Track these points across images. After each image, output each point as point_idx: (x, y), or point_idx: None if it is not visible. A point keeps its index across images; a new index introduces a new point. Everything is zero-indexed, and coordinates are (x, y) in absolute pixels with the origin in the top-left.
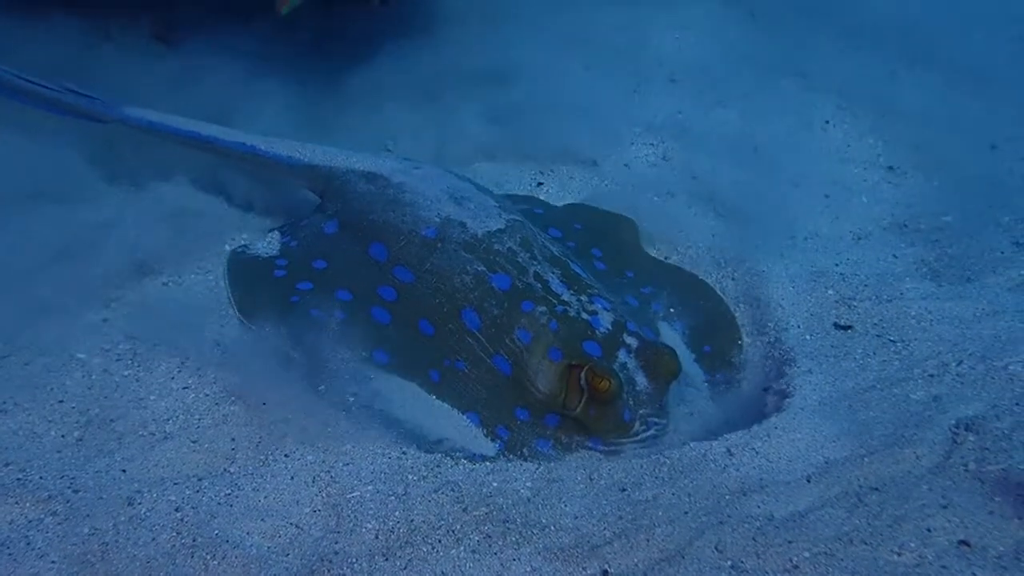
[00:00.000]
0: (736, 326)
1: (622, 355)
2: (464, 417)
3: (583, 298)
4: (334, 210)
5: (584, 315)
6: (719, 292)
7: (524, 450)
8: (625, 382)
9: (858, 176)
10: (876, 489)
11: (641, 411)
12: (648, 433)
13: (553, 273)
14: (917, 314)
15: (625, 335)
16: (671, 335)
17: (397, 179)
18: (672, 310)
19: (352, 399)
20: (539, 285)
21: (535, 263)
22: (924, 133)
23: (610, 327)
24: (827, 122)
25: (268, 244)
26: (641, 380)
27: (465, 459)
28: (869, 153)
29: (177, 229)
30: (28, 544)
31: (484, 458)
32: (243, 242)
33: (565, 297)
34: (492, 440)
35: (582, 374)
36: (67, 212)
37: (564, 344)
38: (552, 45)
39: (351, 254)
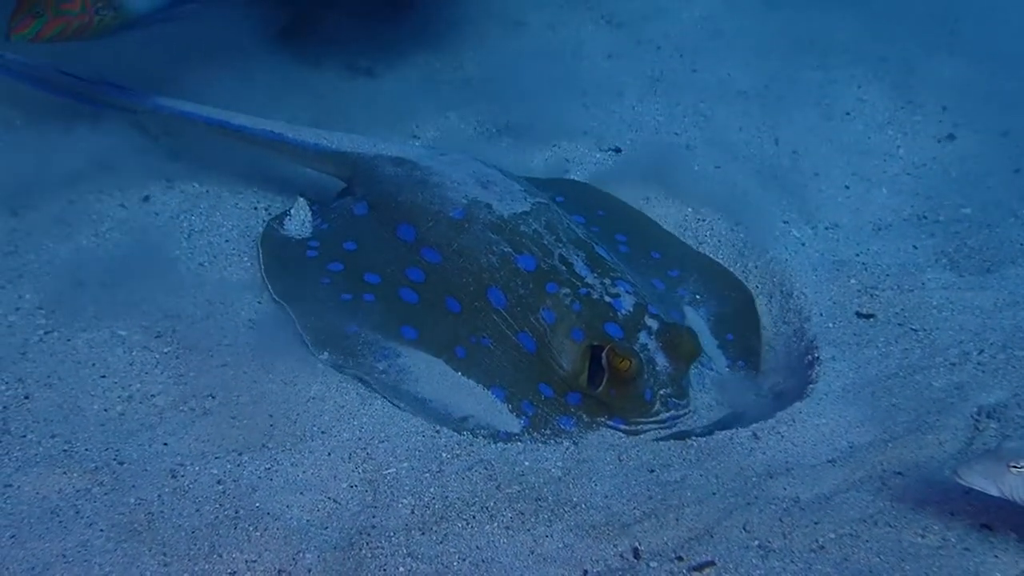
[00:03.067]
0: (757, 315)
1: (643, 336)
2: (489, 392)
3: (606, 281)
4: (363, 193)
5: (607, 298)
6: (741, 280)
7: (549, 427)
8: (645, 362)
9: (878, 167)
10: (900, 473)
11: (661, 391)
12: (669, 414)
13: (578, 256)
14: (939, 304)
15: (646, 317)
16: (696, 320)
17: (424, 163)
18: (698, 296)
19: (381, 375)
20: (564, 267)
21: (560, 245)
22: (942, 125)
23: (631, 309)
24: (847, 113)
25: (301, 225)
26: (661, 361)
27: (492, 437)
28: (889, 145)
29: (210, 211)
30: (77, 512)
31: (511, 436)
32: (275, 223)
33: (589, 280)
34: (517, 416)
35: (604, 354)
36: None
37: (587, 325)
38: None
39: (380, 236)
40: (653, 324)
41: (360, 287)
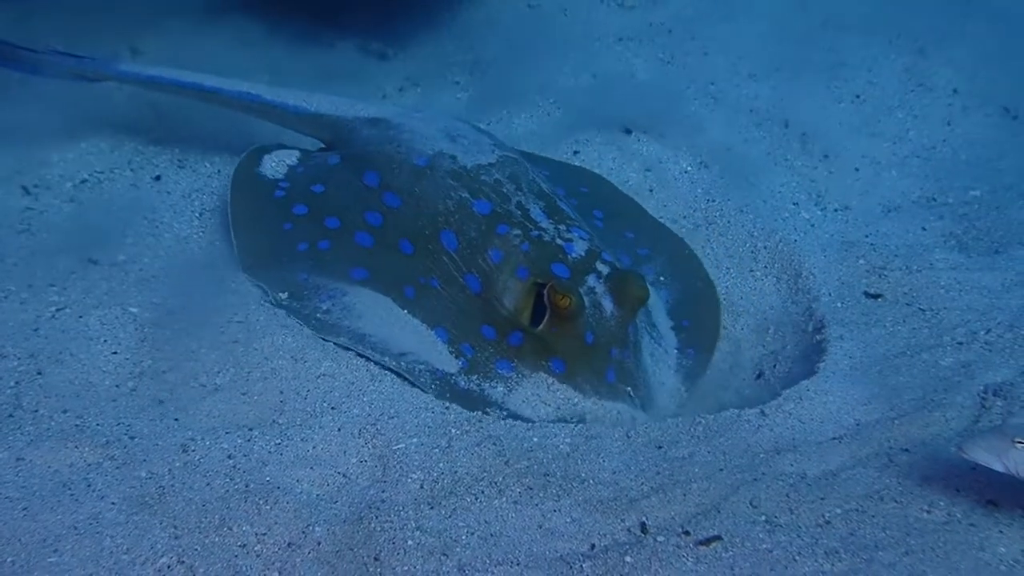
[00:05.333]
0: (719, 315)
1: (591, 280)
2: (433, 332)
3: (561, 227)
4: (339, 150)
5: (559, 240)
6: (708, 274)
7: (486, 371)
8: (590, 305)
9: (887, 150)
10: (906, 450)
11: (605, 337)
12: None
13: (536, 204)
14: (946, 284)
15: (598, 263)
16: (654, 297)
17: (397, 120)
18: (662, 279)
19: (323, 315)
20: (519, 212)
21: (520, 194)
22: (952, 108)
23: (583, 254)
24: (858, 96)
25: (276, 165)
26: (608, 305)
27: (429, 373)
28: (899, 128)
29: (222, 190)
30: (89, 486)
31: (446, 375)
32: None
33: (543, 225)
34: (456, 357)
35: (545, 291)
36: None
37: (532, 264)
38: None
39: (347, 180)
40: (604, 269)
41: (318, 234)
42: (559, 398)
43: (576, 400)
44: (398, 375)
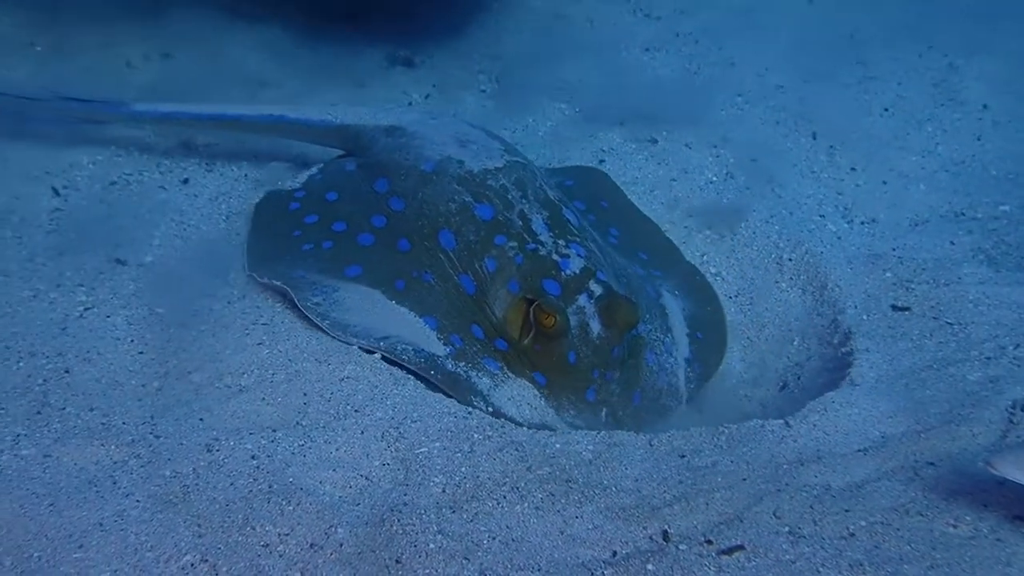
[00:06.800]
0: (725, 337)
1: (582, 299)
2: (421, 320)
3: (560, 241)
4: (359, 157)
5: (555, 256)
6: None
7: (473, 362)
8: (576, 325)
9: (916, 164)
10: (932, 464)
11: (589, 358)
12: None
13: (540, 214)
14: (975, 298)
15: (592, 282)
16: (671, 303)
17: (412, 128)
18: (677, 292)
19: (313, 307)
20: (520, 222)
21: (524, 202)
22: (983, 123)
23: (577, 272)
24: (886, 110)
25: (296, 178)
26: (595, 327)
27: (413, 351)
28: (928, 142)
29: (248, 194)
30: (114, 483)
31: (433, 356)
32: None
33: (542, 237)
34: (445, 344)
35: (531, 309)
36: None
37: (524, 278)
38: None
39: (359, 188)
40: (597, 289)
41: (324, 236)
42: (541, 405)
43: (554, 414)
44: (393, 363)
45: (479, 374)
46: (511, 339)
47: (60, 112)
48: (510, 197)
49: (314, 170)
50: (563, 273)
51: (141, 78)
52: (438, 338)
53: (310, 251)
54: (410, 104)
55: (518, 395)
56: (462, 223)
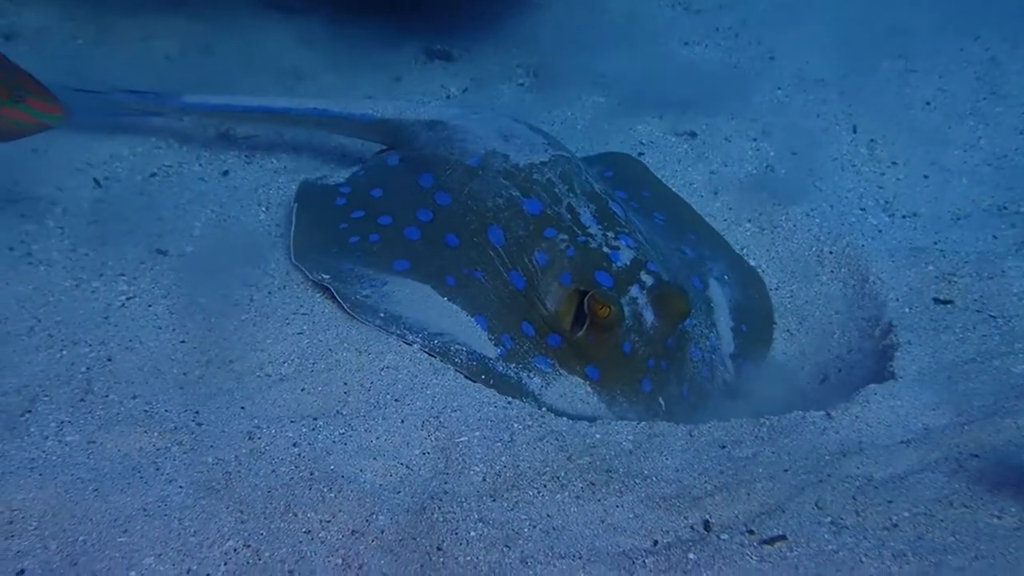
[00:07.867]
0: (772, 328)
1: (634, 290)
2: (472, 319)
3: (609, 234)
4: (401, 150)
5: (605, 248)
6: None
7: (524, 362)
8: (630, 316)
9: (958, 158)
10: (976, 456)
11: (643, 348)
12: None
13: (587, 207)
14: (1019, 291)
15: (643, 273)
16: (718, 294)
17: (454, 123)
18: (726, 277)
19: (363, 299)
20: (568, 215)
21: (571, 195)
22: None
23: (628, 263)
24: (928, 103)
25: (340, 174)
26: (649, 317)
27: (466, 355)
28: (970, 136)
29: (287, 185)
30: (158, 469)
31: (484, 358)
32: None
33: (592, 230)
34: (496, 345)
35: (586, 300)
36: None
37: (576, 270)
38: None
39: (404, 183)
40: (648, 280)
41: (370, 229)
42: (594, 400)
43: (606, 408)
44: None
45: (530, 374)
46: (564, 332)
47: (116, 105)
48: (557, 191)
49: (357, 168)
50: (614, 265)
51: (180, 72)
52: (489, 339)
53: (357, 244)
54: (448, 97)
55: (570, 392)
56: (511, 218)
